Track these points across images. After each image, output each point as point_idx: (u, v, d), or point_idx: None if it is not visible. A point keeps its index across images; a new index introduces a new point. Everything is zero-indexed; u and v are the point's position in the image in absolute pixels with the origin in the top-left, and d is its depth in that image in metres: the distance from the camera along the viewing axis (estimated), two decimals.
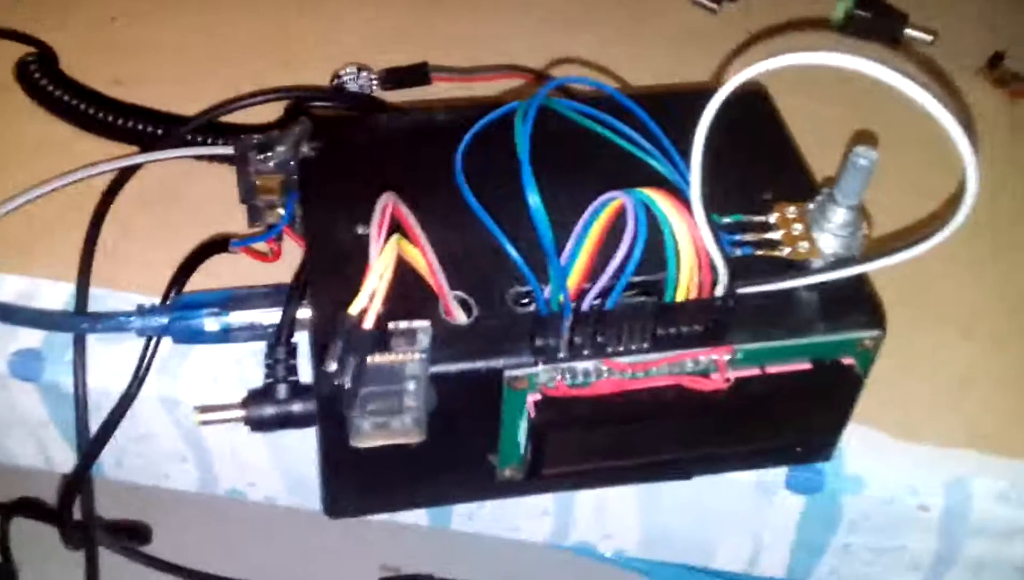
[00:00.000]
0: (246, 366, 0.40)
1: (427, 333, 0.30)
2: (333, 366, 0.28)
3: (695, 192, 0.30)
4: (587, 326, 0.31)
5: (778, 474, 0.39)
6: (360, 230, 0.35)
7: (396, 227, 0.32)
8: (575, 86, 0.37)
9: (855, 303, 0.34)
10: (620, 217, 0.32)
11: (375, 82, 0.50)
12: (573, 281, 0.32)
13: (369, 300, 0.29)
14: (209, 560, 0.55)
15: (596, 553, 0.45)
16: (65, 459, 0.44)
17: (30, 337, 0.41)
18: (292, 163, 0.38)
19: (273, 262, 0.40)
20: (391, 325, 0.30)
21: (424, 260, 0.32)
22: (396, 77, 0.51)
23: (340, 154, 0.38)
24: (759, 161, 0.38)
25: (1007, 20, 0.58)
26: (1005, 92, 0.53)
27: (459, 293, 0.33)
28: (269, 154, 0.38)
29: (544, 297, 0.31)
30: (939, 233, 0.28)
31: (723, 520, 0.41)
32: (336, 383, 0.28)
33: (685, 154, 0.35)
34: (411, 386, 0.31)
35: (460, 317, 0.33)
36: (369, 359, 0.29)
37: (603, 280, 0.31)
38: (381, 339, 0.29)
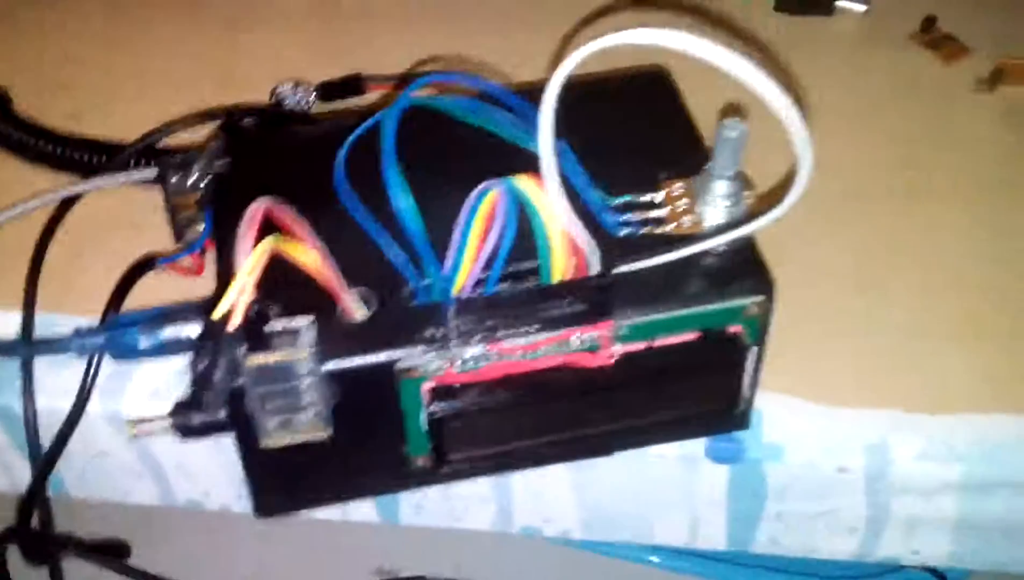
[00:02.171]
0: (186, 378, 0.42)
1: (311, 329, 0.31)
2: (200, 371, 0.30)
3: (547, 173, 0.31)
4: (471, 313, 0.33)
5: (699, 445, 0.39)
6: None
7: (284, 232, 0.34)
8: (456, 85, 0.38)
9: (738, 271, 0.34)
10: None
11: (312, 96, 0.52)
12: (465, 274, 0.33)
13: (235, 300, 0.30)
14: (197, 572, 0.57)
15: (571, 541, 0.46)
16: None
17: None
18: (207, 180, 0.40)
19: (199, 276, 0.41)
20: (270, 326, 0.31)
21: (314, 258, 0.33)
22: (332, 90, 0.52)
23: (249, 168, 0.39)
24: (657, 141, 0.39)
25: None
26: (938, 55, 0.53)
27: (361, 289, 0.34)
28: (186, 173, 0.40)
29: (425, 289, 0.33)
30: (778, 208, 0.29)
31: (656, 495, 0.42)
32: (211, 388, 0.30)
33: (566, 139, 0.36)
34: (306, 383, 0.32)
35: (359, 313, 0.34)
36: (251, 360, 0.31)
37: (478, 267, 0.32)
38: (258, 340, 0.31)
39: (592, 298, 0.33)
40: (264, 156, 0.40)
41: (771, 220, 0.30)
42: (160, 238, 0.46)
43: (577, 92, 0.40)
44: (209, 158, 0.40)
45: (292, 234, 0.33)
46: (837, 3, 0.55)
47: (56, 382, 0.42)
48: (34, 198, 0.47)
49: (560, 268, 0.32)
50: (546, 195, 0.32)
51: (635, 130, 0.40)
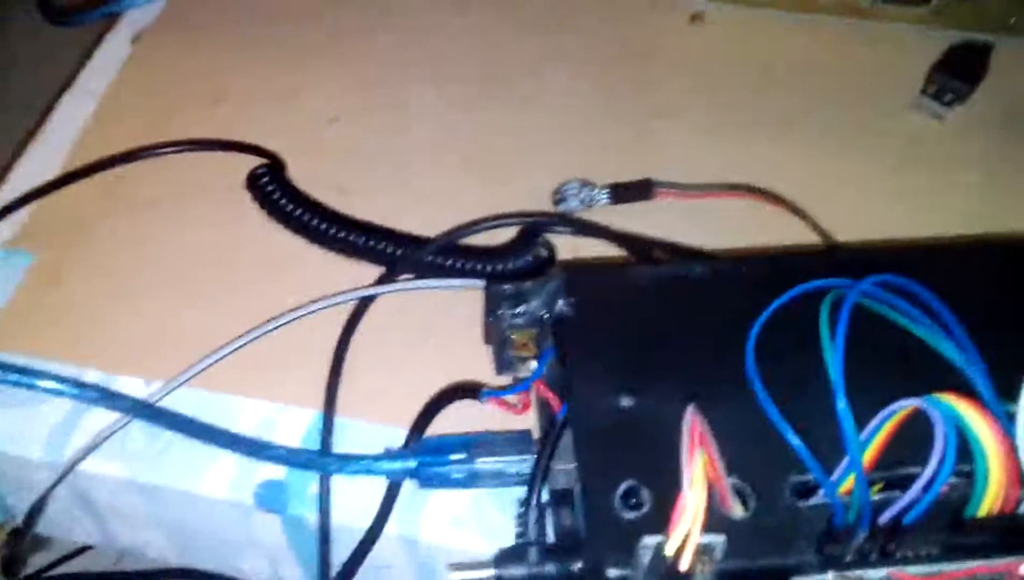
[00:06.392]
0: (484, 508, 0.40)
1: (722, 548, 0.29)
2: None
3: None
4: (880, 538, 0.30)
5: None
6: (624, 402, 0.35)
7: None
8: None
9: None
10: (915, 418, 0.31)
11: (599, 198, 0.50)
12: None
13: (683, 541, 0.28)
14: None
15: None
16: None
17: (275, 469, 0.42)
18: (544, 317, 0.38)
19: (521, 414, 0.40)
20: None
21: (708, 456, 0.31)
22: (620, 192, 0.50)
23: (597, 313, 0.37)
24: None
25: None
26: None
27: (736, 481, 0.32)
28: (522, 309, 0.38)
29: (839, 503, 0.30)
30: None
31: None
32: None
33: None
34: None
35: (737, 509, 0.32)
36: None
37: (907, 497, 0.30)
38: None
39: (1008, 531, 0.30)
40: (613, 302, 0.38)
41: None
42: (455, 343, 0.44)
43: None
44: (548, 296, 0.38)
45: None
46: None
47: (348, 497, 0.41)
48: (333, 297, 0.45)
49: (991, 503, 0.30)
50: (992, 426, 0.29)
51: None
